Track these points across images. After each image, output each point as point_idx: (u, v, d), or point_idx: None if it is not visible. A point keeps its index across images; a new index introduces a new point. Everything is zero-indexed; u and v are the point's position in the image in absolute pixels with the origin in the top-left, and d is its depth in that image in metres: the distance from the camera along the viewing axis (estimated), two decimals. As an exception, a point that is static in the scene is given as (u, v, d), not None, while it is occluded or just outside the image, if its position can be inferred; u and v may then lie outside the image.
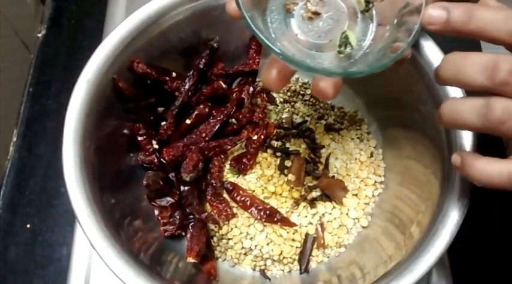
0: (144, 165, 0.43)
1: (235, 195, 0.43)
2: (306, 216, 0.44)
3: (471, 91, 0.26)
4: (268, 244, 0.43)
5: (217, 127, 0.44)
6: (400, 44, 0.27)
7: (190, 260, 0.38)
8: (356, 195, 0.45)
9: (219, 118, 0.44)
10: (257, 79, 0.48)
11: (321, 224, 0.43)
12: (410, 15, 0.28)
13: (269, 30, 0.29)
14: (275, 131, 0.47)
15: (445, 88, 0.35)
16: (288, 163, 0.45)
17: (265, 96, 0.47)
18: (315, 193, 0.44)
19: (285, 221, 0.42)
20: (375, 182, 0.46)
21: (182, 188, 0.42)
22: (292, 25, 0.30)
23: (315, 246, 0.43)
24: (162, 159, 0.42)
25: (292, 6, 0.30)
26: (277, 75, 0.29)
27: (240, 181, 0.45)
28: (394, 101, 0.43)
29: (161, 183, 0.41)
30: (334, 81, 0.28)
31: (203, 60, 0.44)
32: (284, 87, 0.31)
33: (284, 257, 0.43)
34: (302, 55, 0.29)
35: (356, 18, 0.30)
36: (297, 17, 0.30)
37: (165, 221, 0.42)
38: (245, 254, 0.43)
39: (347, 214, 0.44)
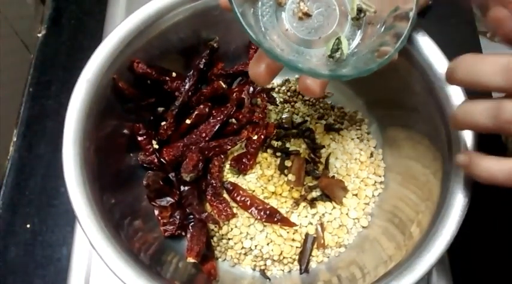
0: (144, 165, 0.43)
1: (235, 195, 0.43)
2: (306, 216, 0.44)
3: (471, 91, 0.26)
4: (268, 244, 0.43)
5: (217, 127, 0.44)
6: (387, 48, 0.27)
7: (190, 260, 0.38)
8: (356, 195, 0.45)
9: (219, 118, 0.44)
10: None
11: (321, 224, 0.43)
12: (400, 21, 0.28)
13: (259, 24, 0.29)
14: (275, 131, 0.47)
15: (444, 88, 0.35)
16: (288, 163, 0.45)
17: (265, 96, 0.47)
18: (315, 193, 0.44)
19: (285, 221, 0.42)
20: (375, 182, 0.46)
21: (182, 188, 0.42)
22: (282, 19, 0.30)
23: (315, 246, 0.43)
24: (162, 159, 0.42)
25: (284, 0, 0.30)
26: (265, 69, 0.29)
27: (240, 181, 0.45)
28: (394, 101, 0.43)
29: (161, 183, 0.41)
30: (321, 80, 0.28)
31: (203, 60, 0.44)
32: (271, 81, 0.30)
33: (284, 257, 0.43)
34: (291, 50, 0.29)
35: (346, 15, 0.30)
36: (288, 11, 0.30)
37: (165, 221, 0.42)
38: (245, 254, 0.43)
39: (347, 214, 0.44)
